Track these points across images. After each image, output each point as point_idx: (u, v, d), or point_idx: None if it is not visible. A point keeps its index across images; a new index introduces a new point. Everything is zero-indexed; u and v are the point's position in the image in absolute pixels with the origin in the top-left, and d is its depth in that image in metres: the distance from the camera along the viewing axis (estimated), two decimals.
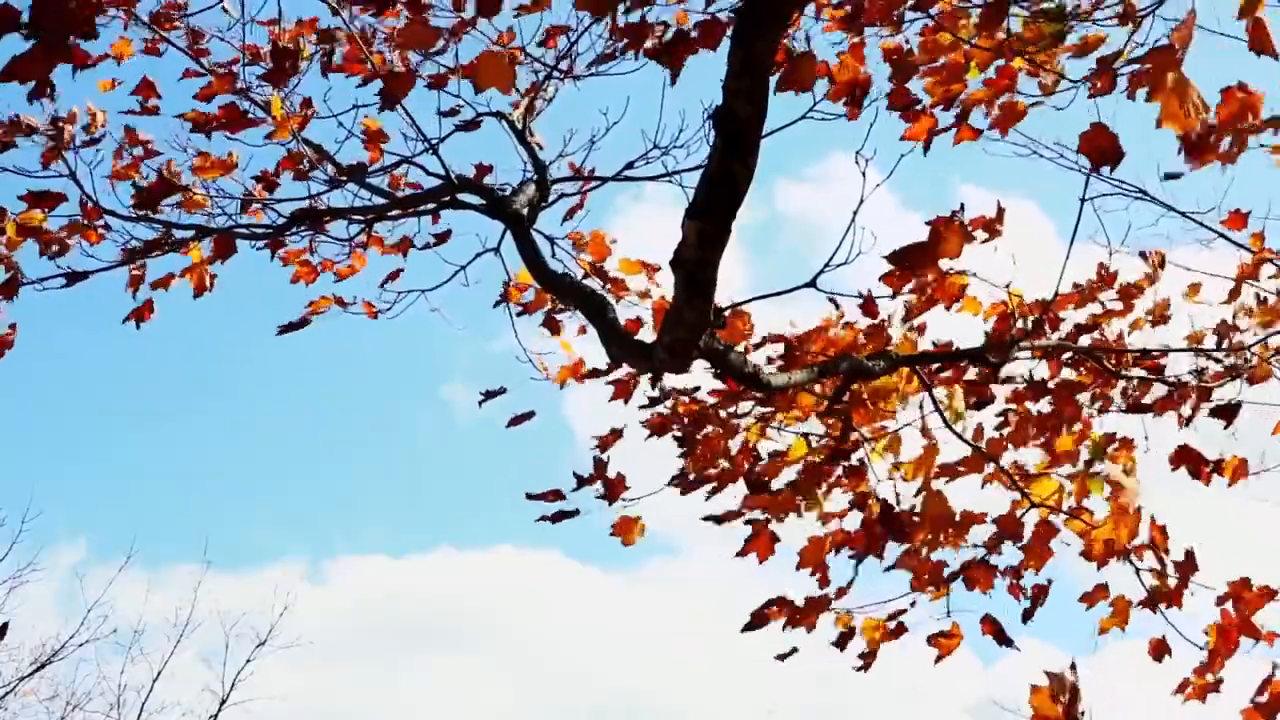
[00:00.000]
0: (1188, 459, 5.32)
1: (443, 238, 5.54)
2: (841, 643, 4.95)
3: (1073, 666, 4.45)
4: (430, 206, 5.20)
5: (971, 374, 4.96)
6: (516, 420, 5.49)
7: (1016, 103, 4.40)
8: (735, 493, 5.18)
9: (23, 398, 23.98)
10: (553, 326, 5.70)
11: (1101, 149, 3.53)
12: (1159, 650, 4.93)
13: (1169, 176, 4.48)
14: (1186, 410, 5.28)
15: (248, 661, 17.05)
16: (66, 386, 25.94)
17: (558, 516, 5.08)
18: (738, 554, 5.05)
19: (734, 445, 5.33)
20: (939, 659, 4.83)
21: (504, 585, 27.18)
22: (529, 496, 5.09)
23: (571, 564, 28.65)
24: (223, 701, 16.71)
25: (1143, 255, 5.17)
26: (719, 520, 5.11)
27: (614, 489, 5.13)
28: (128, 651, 16.99)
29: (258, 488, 27.81)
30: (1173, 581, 4.85)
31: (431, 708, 22.45)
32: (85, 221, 4.72)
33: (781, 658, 4.89)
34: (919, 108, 4.50)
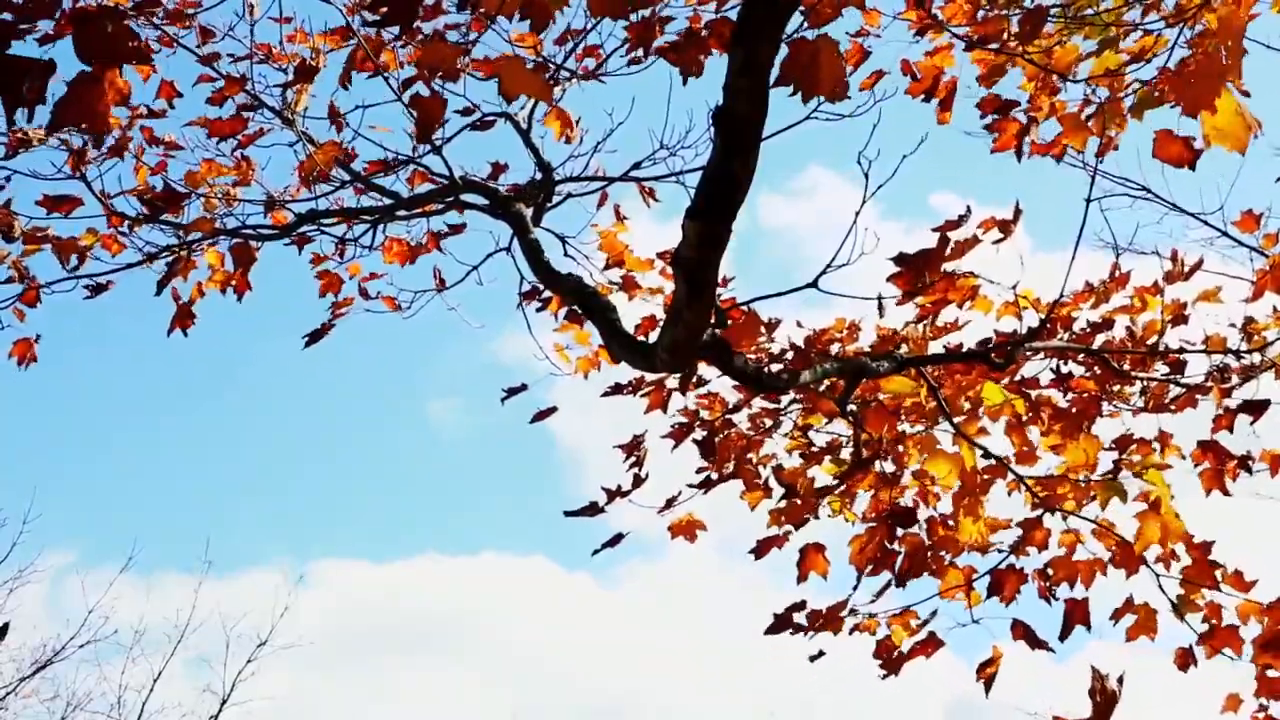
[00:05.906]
0: (1212, 456, 5.18)
1: (458, 228, 5.57)
2: (885, 656, 4.89)
3: (1120, 679, 4.35)
4: (437, 207, 5.23)
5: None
6: (540, 416, 5.52)
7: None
8: (738, 501, 5.21)
9: (21, 399, 24.29)
10: (576, 318, 5.71)
11: (1175, 154, 3.48)
12: (1185, 660, 4.84)
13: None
14: (1211, 408, 5.18)
15: (248, 662, 17.01)
16: (64, 388, 26.20)
17: (613, 542, 5.11)
18: (798, 580, 5.01)
19: (760, 451, 5.33)
20: (990, 680, 4.76)
21: (494, 589, 27.01)
22: (567, 514, 5.10)
23: (558, 568, 28.43)
24: (223, 702, 16.67)
25: (1174, 257, 5.06)
26: (759, 554, 5.13)
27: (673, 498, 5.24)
28: (128, 653, 17.03)
29: (242, 492, 27.77)
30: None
31: (429, 708, 22.45)
32: (111, 227, 4.77)
33: (813, 659, 4.90)
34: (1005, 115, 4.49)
